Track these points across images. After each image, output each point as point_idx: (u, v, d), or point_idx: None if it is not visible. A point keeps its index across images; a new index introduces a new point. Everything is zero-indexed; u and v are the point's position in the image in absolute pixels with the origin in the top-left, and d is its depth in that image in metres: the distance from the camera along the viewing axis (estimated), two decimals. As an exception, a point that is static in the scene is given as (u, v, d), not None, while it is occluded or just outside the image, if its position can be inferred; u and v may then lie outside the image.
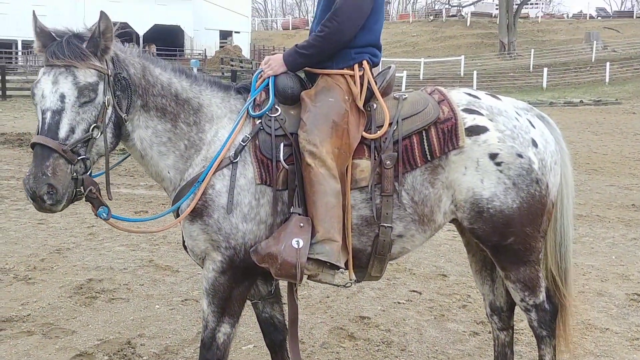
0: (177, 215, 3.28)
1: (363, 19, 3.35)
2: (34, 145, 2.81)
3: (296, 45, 3.47)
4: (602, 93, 34.40)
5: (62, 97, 2.86)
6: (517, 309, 3.80)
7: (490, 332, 4.17)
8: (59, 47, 2.89)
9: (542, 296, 3.51)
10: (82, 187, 2.88)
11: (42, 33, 2.97)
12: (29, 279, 6.02)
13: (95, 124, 2.92)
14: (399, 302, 5.66)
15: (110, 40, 2.98)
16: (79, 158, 2.86)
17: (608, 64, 38.61)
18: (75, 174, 2.85)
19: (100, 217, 3.01)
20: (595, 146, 16.91)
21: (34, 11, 3.01)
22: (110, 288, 5.84)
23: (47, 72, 2.90)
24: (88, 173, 2.93)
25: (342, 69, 3.39)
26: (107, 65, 3.01)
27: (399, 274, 6.42)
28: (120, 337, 4.79)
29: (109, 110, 3.00)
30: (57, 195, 2.77)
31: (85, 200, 2.97)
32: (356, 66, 3.40)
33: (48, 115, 2.84)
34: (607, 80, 37.98)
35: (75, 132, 2.87)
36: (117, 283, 5.99)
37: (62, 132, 2.83)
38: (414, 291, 5.97)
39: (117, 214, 3.22)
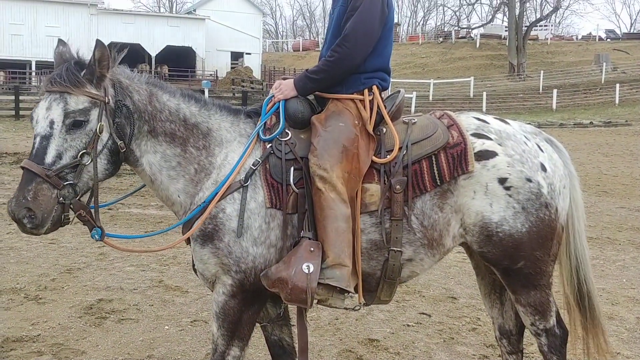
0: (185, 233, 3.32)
1: (372, 45, 3.39)
2: (23, 169, 2.90)
3: (307, 70, 3.51)
4: (612, 114, 34.37)
5: (52, 123, 2.95)
6: (526, 332, 3.79)
7: (499, 356, 4.15)
8: (59, 74, 2.99)
9: (552, 321, 3.50)
10: (69, 212, 2.97)
11: (63, 59, 3.08)
12: (40, 298, 6.05)
13: (84, 151, 2.99)
14: (408, 325, 5.64)
15: (105, 69, 3.05)
16: (65, 183, 2.94)
17: (618, 85, 38.66)
18: (62, 198, 2.92)
19: (94, 239, 3.11)
20: (605, 168, 16.87)
21: (60, 39, 3.11)
22: (120, 308, 5.86)
23: (45, 98, 3.01)
24: (77, 198, 3.00)
25: (352, 93, 3.42)
26: (105, 92, 3.07)
27: (409, 296, 6.41)
28: (129, 358, 4.80)
29: (104, 137, 3.06)
30: (36, 219, 2.86)
31: (84, 224, 3.07)
32: (366, 91, 3.44)
33: (37, 140, 2.95)
34: (617, 101, 37.99)
35: (62, 157, 2.96)
36: (127, 303, 6.00)
37: (49, 157, 2.93)
38: (423, 314, 5.95)
39: (128, 234, 3.28)
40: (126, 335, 5.26)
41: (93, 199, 3.09)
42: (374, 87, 3.46)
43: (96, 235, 3.08)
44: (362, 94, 3.43)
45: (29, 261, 7.29)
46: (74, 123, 2.97)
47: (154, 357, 4.84)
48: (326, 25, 3.70)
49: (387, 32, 3.48)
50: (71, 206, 2.98)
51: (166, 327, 5.46)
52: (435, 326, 5.64)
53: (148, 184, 3.37)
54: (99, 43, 2.99)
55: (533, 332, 3.54)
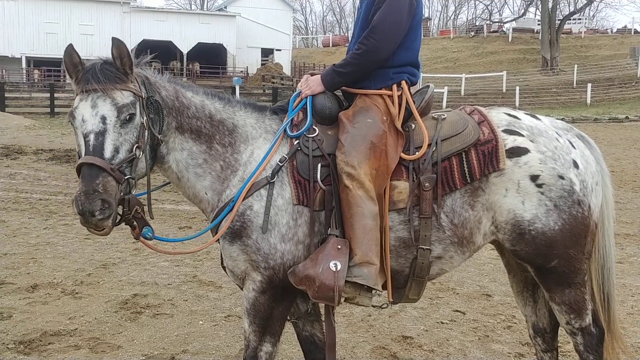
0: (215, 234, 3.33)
1: (400, 37, 3.36)
2: (80, 168, 2.83)
3: (334, 64, 3.50)
4: (649, 109, 33.66)
5: (104, 119, 2.91)
6: (561, 330, 3.73)
7: (535, 354, 4.10)
8: (93, 74, 2.95)
9: (588, 319, 3.44)
10: (128, 207, 2.93)
11: (74, 62, 3.00)
12: (76, 293, 6.15)
13: (137, 144, 2.98)
14: (442, 322, 5.61)
15: (128, 65, 3.02)
16: (125, 178, 2.90)
17: (654, 79, 37.83)
18: (121, 193, 2.89)
19: (145, 237, 3.06)
20: (642, 163, 16.54)
21: (70, 44, 3.03)
22: (154, 303, 5.93)
23: (84, 98, 2.94)
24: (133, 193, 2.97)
25: (381, 89, 3.40)
26: (139, 87, 3.07)
27: (442, 294, 6.37)
28: (164, 353, 4.85)
29: (146, 132, 3.06)
30: (109, 209, 2.78)
31: (126, 223, 3.00)
32: (394, 86, 3.41)
33: (91, 137, 2.88)
34: (653, 95, 37.21)
35: (119, 152, 2.92)
36: (162, 298, 6.07)
37: (107, 152, 2.87)
38: (457, 311, 5.91)
39: (162, 230, 3.29)
40: (161, 330, 5.32)
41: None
42: (403, 82, 3.43)
43: (149, 234, 3.05)
44: (391, 89, 3.41)
45: (65, 256, 7.41)
46: (129, 117, 2.96)
47: (189, 352, 4.88)
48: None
49: (415, 25, 3.45)
50: (129, 202, 2.93)
51: (200, 322, 5.51)
52: (470, 324, 5.59)
53: (174, 182, 3.37)
54: (115, 40, 2.98)
55: (568, 331, 3.49)
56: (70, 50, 2.98)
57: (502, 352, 4.99)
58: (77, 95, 2.99)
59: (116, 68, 3.00)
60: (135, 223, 3.03)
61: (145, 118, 3.05)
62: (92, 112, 2.91)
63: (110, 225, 2.85)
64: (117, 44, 2.97)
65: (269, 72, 48.82)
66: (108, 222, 2.82)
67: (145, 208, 3.11)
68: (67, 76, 3.06)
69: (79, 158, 2.89)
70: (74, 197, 2.78)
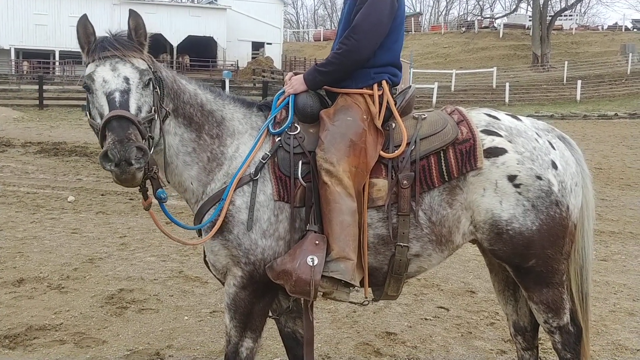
0: (201, 232, 3.35)
1: (381, 37, 3.40)
2: (109, 121, 2.79)
3: (316, 64, 3.55)
4: (638, 106, 33.82)
5: (127, 79, 2.95)
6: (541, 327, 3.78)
7: (516, 352, 4.15)
8: (109, 42, 3.00)
9: (566, 318, 3.49)
10: (148, 165, 2.89)
11: (87, 32, 3.03)
12: (62, 287, 6.15)
13: (154, 107, 3.03)
14: (426, 319, 5.66)
15: (143, 37, 3.08)
16: (148, 135, 2.93)
17: (644, 76, 37.99)
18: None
19: (159, 197, 3.06)
20: (629, 161, 16.66)
21: (84, 14, 3.06)
22: (140, 298, 5.94)
23: (102, 63, 2.97)
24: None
25: (362, 88, 3.44)
26: (150, 59, 3.13)
27: (427, 290, 6.42)
28: (149, 348, 4.87)
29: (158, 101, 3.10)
30: (145, 157, 2.77)
31: (141, 189, 3.00)
32: (375, 86, 3.45)
33: (117, 94, 2.90)
34: (643, 93, 37.38)
35: (142, 111, 2.96)
36: (148, 293, 6.08)
37: (132, 109, 2.90)
38: (441, 307, 5.96)
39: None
40: (146, 325, 5.34)
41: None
42: (384, 82, 3.47)
43: (163, 194, 3.06)
44: (372, 89, 3.45)
45: (52, 250, 7.40)
46: (148, 81, 3.01)
47: (173, 348, 4.90)
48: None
49: (397, 26, 3.48)
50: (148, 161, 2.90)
51: (186, 318, 5.53)
52: (453, 320, 5.64)
53: (161, 167, 3.32)
54: (132, 12, 3.04)
55: (546, 330, 3.54)
56: (84, 20, 3.03)
57: (484, 349, 5.04)
58: (90, 62, 3.00)
59: (131, 39, 3.05)
60: (148, 189, 3.05)
61: (157, 88, 3.09)
62: (114, 74, 2.95)
63: (141, 177, 2.85)
64: (134, 16, 3.04)
65: (259, 66, 48.75)
66: (142, 172, 2.82)
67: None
68: (79, 47, 3.07)
69: (101, 117, 2.87)
70: (105, 151, 2.73)
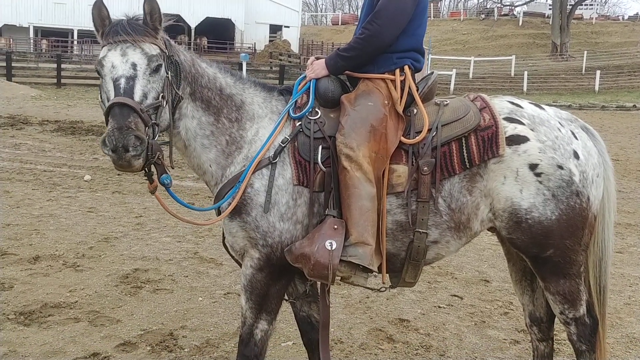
0: (220, 212, 3.35)
1: (404, 22, 3.37)
2: (111, 107, 2.85)
3: (338, 48, 3.52)
4: (657, 98, 33.44)
5: (134, 65, 2.98)
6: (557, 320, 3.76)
7: (531, 342, 4.13)
8: (122, 27, 3.03)
9: (582, 310, 3.47)
10: (151, 152, 2.92)
11: (102, 16, 3.06)
12: (78, 266, 6.20)
13: (162, 94, 3.04)
14: (439, 307, 5.64)
15: (158, 21, 3.10)
16: (152, 122, 2.96)
17: (665, 67, 37.47)
18: (147, 137, 2.91)
19: (163, 183, 3.08)
20: (647, 153, 16.46)
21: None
22: (155, 278, 5.97)
23: (113, 48, 3.01)
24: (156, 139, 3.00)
25: (384, 73, 3.42)
26: (164, 44, 3.13)
27: (440, 278, 6.40)
28: (163, 328, 4.90)
29: (169, 87, 3.11)
30: (142, 145, 2.82)
31: (146, 173, 3.01)
32: (397, 71, 3.43)
33: (122, 81, 2.94)
34: (662, 84, 36.92)
35: (147, 97, 2.98)
36: (162, 274, 6.12)
37: (137, 96, 2.93)
38: (455, 296, 5.94)
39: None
40: (160, 305, 5.37)
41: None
42: (406, 67, 3.44)
43: (167, 180, 3.07)
44: (394, 74, 3.42)
45: (68, 229, 7.46)
46: (157, 67, 3.03)
47: (187, 328, 4.93)
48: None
49: (420, 12, 3.45)
50: (152, 147, 2.93)
51: (200, 299, 5.55)
52: (467, 309, 5.63)
53: (181, 149, 3.40)
54: None
55: (562, 321, 3.52)
56: (99, 3, 3.05)
57: (497, 338, 5.03)
58: (103, 46, 3.05)
59: (145, 23, 3.08)
60: (154, 173, 3.06)
61: (169, 73, 3.11)
62: (123, 60, 2.99)
63: (141, 164, 2.89)
64: (149, 1, 3.04)
65: (276, 49, 48.62)
66: (139, 160, 2.86)
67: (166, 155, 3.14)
68: (94, 29, 3.11)
69: (108, 102, 2.92)
70: (104, 137, 2.81)
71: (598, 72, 37.83)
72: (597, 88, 37.05)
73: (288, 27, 61.03)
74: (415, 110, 3.39)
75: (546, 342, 3.84)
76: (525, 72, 37.98)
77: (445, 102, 3.43)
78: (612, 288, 6.08)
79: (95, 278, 5.90)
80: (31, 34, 51.56)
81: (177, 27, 50.91)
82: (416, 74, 3.53)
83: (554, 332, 3.95)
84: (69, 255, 6.49)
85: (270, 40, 55.94)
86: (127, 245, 6.96)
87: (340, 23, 68.60)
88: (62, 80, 29.05)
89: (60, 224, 7.64)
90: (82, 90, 27.34)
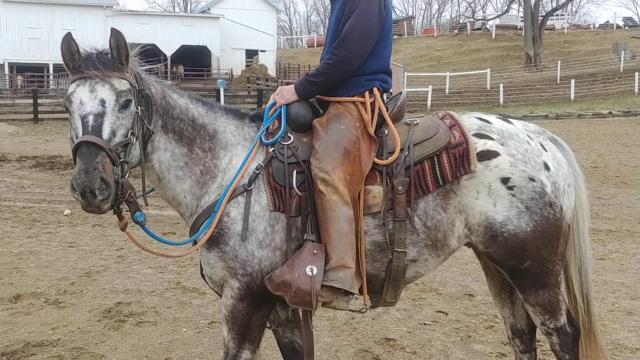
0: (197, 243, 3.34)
1: (371, 45, 3.41)
2: (79, 146, 2.83)
3: (307, 74, 3.55)
4: (632, 104, 33.92)
5: (103, 102, 2.95)
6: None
7: (514, 355, 4.14)
8: (91, 61, 3.00)
9: (562, 319, 3.49)
10: (122, 191, 2.91)
11: (71, 50, 3.03)
12: (59, 302, 6.13)
13: (131, 130, 3.01)
14: (424, 323, 5.64)
15: (124, 56, 3.07)
16: (120, 160, 2.93)
17: (637, 73, 38.03)
18: (116, 176, 2.90)
19: (137, 221, 3.04)
20: (625, 158, 16.69)
21: (69, 32, 3.06)
22: (138, 311, 5.92)
23: (82, 83, 2.98)
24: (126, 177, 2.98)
25: (353, 96, 3.45)
26: (134, 78, 3.11)
27: (425, 294, 6.40)
28: (147, 361, 4.85)
29: (139, 122, 3.09)
30: (108, 189, 2.79)
31: (115, 211, 2.98)
32: (367, 93, 3.46)
33: (90, 118, 2.91)
34: (636, 90, 37.50)
35: (116, 135, 2.95)
36: (145, 306, 6.06)
37: (105, 134, 2.90)
38: (440, 312, 5.95)
39: (145, 236, 3.28)
40: (144, 338, 5.32)
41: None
42: (375, 89, 3.48)
43: (140, 217, 3.03)
44: (363, 96, 3.45)
45: (49, 265, 7.38)
46: (126, 103, 2.99)
47: (172, 360, 4.88)
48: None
49: (385, 33, 3.49)
50: (122, 185, 2.91)
51: (184, 330, 5.51)
52: (452, 324, 5.63)
53: (155, 182, 3.38)
54: (113, 31, 3.02)
55: (544, 332, 3.53)
56: (68, 38, 3.01)
57: (484, 352, 5.03)
58: (72, 82, 3.02)
59: (113, 57, 3.05)
60: (124, 211, 3.03)
61: (139, 108, 3.08)
62: (91, 96, 2.95)
63: (109, 207, 2.86)
64: (115, 35, 3.02)
65: (253, 74, 48.75)
66: (105, 204, 2.83)
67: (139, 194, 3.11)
68: (64, 64, 3.08)
69: (76, 139, 2.89)
70: (71, 180, 2.78)
71: (573, 80, 38.38)
72: (572, 97, 37.55)
73: (264, 51, 61.32)
74: (386, 131, 3.41)
75: (529, 354, 3.85)
76: (501, 85, 38.44)
77: (415, 122, 3.47)
78: (595, 295, 6.04)
79: (78, 314, 5.84)
80: (6, 70, 51.29)
81: (153, 56, 50.85)
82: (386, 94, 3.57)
83: (538, 343, 3.97)
84: (51, 292, 6.42)
85: (247, 65, 56.12)
86: (109, 279, 6.89)
87: (315, 45, 69.06)
88: (39, 116, 28.85)
89: (41, 261, 7.56)
90: (59, 124, 27.20)
